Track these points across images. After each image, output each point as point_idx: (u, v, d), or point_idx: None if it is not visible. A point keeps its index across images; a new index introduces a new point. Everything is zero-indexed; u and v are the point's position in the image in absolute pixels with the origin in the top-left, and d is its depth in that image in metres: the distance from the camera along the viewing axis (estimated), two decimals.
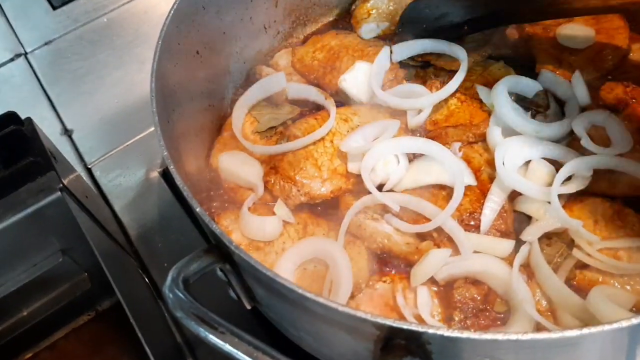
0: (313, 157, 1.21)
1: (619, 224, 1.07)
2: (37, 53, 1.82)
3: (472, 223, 1.10)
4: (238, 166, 1.23)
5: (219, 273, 0.95)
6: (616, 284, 1.01)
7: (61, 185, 1.14)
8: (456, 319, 1.03)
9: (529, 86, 1.24)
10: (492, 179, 1.14)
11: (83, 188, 1.35)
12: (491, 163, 1.14)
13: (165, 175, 1.52)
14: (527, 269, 1.06)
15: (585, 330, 0.70)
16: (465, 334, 0.72)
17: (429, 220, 1.09)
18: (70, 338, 1.39)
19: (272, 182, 1.19)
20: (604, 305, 0.94)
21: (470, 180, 1.14)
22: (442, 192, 1.14)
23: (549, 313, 1.02)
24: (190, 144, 1.22)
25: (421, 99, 1.26)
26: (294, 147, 1.21)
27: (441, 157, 1.15)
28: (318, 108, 1.32)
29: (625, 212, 1.08)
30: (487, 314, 1.04)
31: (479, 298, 1.04)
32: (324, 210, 1.19)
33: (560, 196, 1.07)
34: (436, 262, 1.05)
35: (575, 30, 1.31)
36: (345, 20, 1.55)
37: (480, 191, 1.13)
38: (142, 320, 1.09)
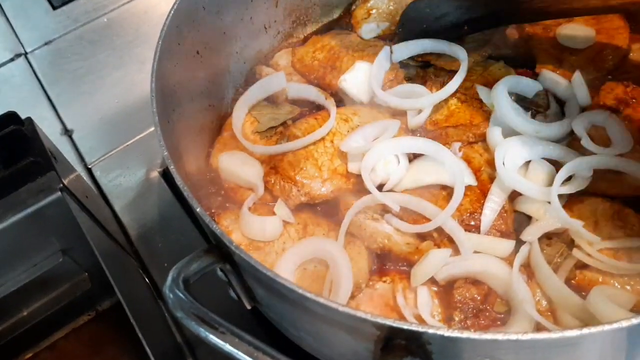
0: (313, 157, 1.21)
1: (619, 224, 1.07)
2: (37, 53, 1.82)
3: (473, 223, 1.10)
4: (238, 166, 1.23)
5: (219, 273, 0.95)
6: (616, 284, 1.01)
7: (61, 185, 1.14)
8: (456, 319, 1.03)
9: (529, 86, 1.24)
10: (492, 179, 1.14)
11: (83, 188, 1.35)
12: (491, 163, 1.14)
13: (166, 175, 1.52)
14: (527, 269, 1.06)
15: (585, 331, 0.70)
16: (465, 334, 0.72)
17: (429, 220, 1.09)
18: (71, 338, 1.39)
19: (272, 182, 1.19)
20: (604, 305, 0.94)
21: (471, 181, 1.14)
22: (442, 192, 1.14)
23: (549, 313, 1.02)
24: (191, 144, 1.22)
25: (421, 99, 1.26)
26: (294, 147, 1.21)
27: (441, 157, 1.15)
28: (318, 108, 1.32)
29: (625, 212, 1.08)
30: (487, 314, 1.03)
31: (479, 298, 1.04)
32: (324, 210, 1.18)
33: (560, 196, 1.07)
34: (436, 262, 1.05)
35: (576, 30, 1.31)
36: (345, 20, 1.54)
37: (480, 191, 1.13)
38: (143, 321, 1.09)
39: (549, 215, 1.07)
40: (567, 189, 1.09)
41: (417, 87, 1.29)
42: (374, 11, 1.48)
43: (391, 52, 1.35)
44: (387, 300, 1.05)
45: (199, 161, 1.26)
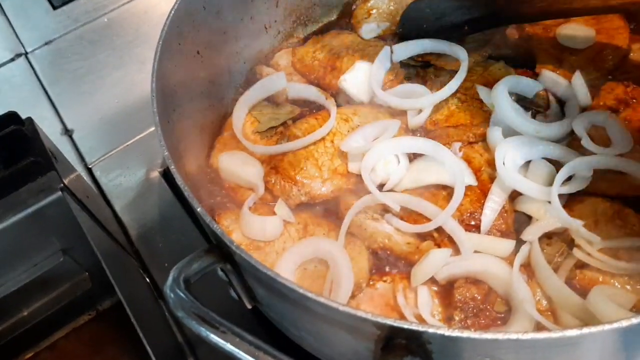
0: (313, 157, 1.21)
1: (619, 223, 1.07)
2: (37, 53, 1.82)
3: (473, 223, 1.10)
4: (238, 166, 1.23)
5: (220, 273, 0.95)
6: (616, 284, 1.01)
7: (62, 185, 1.14)
8: (456, 318, 1.03)
9: (529, 86, 1.25)
10: (492, 179, 1.14)
11: (84, 188, 1.35)
12: (491, 163, 1.15)
13: (166, 175, 1.52)
14: (527, 268, 1.06)
15: (586, 330, 0.70)
16: (465, 334, 0.72)
17: (429, 220, 1.09)
18: (71, 338, 1.39)
19: (273, 182, 1.20)
20: (604, 305, 0.94)
21: (471, 180, 1.14)
22: (442, 192, 1.14)
23: (549, 313, 1.02)
24: (191, 144, 1.22)
25: (421, 99, 1.26)
26: (294, 147, 1.22)
27: (441, 157, 1.15)
28: (318, 108, 1.32)
29: (625, 212, 1.08)
30: (488, 313, 1.03)
31: (479, 298, 1.04)
32: (325, 210, 1.19)
33: (560, 196, 1.07)
34: (437, 262, 1.05)
35: (576, 30, 1.32)
36: (345, 20, 1.54)
37: (480, 191, 1.13)
38: (143, 320, 1.10)
39: (549, 215, 1.07)
40: (567, 189, 1.09)
41: (418, 87, 1.30)
42: (374, 11, 1.49)
43: (391, 52, 1.35)
44: (388, 300, 1.06)
45: (199, 161, 1.26)
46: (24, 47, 1.84)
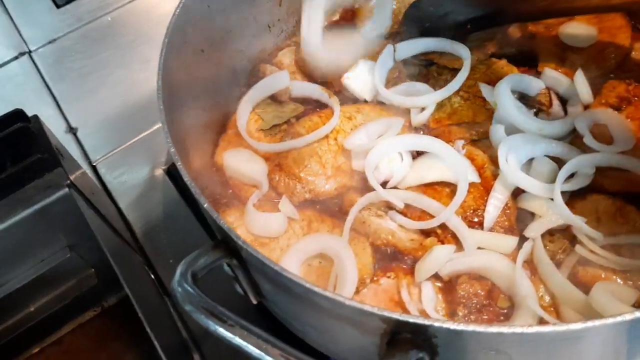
0: (317, 154, 1.21)
1: (621, 220, 1.08)
2: (41, 51, 1.83)
3: (476, 220, 1.10)
4: (243, 163, 1.24)
5: (226, 268, 0.96)
6: (618, 280, 1.02)
7: (68, 181, 1.15)
8: (460, 314, 1.04)
9: (531, 84, 1.25)
10: (495, 176, 1.15)
11: (89, 185, 1.36)
12: (494, 160, 1.15)
13: (170, 172, 1.52)
14: (530, 265, 1.06)
15: (590, 323, 0.71)
16: (471, 327, 0.73)
17: (432, 217, 1.10)
18: (77, 333, 1.40)
19: (277, 179, 1.20)
20: (607, 301, 0.95)
21: (474, 178, 1.15)
22: (445, 189, 1.15)
23: (552, 308, 1.03)
24: (195, 142, 1.22)
25: (424, 97, 1.26)
26: (298, 145, 1.22)
27: (445, 154, 1.15)
28: (322, 106, 1.33)
29: (627, 209, 1.09)
30: (491, 309, 1.04)
31: (482, 294, 1.05)
32: (329, 207, 1.19)
33: (563, 193, 1.08)
34: (440, 258, 1.05)
35: (578, 28, 1.32)
36: (348, 19, 1.55)
37: (483, 188, 1.14)
38: (149, 316, 1.10)
39: (551, 212, 1.08)
40: (570, 186, 1.10)
41: (420, 85, 1.30)
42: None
43: (394, 50, 1.36)
44: (392, 296, 1.06)
45: (203, 159, 1.26)
46: (27, 46, 1.84)
